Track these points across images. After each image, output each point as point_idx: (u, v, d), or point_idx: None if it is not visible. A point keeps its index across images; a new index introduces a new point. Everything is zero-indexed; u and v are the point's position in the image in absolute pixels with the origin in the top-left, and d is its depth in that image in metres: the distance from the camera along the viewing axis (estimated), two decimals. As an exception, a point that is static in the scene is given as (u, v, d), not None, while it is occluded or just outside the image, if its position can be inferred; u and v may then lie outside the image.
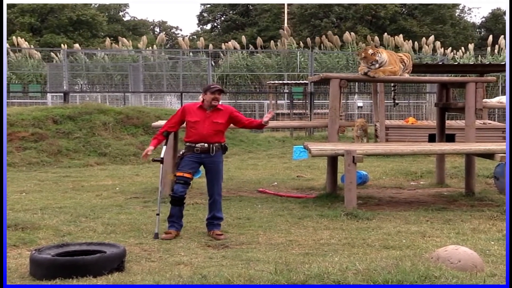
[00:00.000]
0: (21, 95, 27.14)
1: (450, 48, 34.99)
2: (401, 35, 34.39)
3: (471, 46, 33.93)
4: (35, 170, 13.07)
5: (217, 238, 6.93)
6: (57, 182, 11.48)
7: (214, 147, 7.06)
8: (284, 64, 32.05)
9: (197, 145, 7.03)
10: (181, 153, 7.18)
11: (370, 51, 9.69)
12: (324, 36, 33.62)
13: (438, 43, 33.79)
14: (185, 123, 7.25)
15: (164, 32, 55.81)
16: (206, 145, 7.02)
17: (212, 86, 7.12)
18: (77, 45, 35.27)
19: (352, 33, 35.00)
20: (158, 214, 7.17)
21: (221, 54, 32.89)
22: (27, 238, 6.72)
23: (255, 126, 7.58)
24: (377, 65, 9.62)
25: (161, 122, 10.90)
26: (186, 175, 7.03)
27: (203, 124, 7.03)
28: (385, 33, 35.18)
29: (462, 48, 34.46)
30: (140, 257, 6.08)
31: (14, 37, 35.55)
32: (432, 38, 34.27)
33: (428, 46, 33.40)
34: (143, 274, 5.45)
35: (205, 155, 7.06)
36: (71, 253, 5.70)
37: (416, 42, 34.09)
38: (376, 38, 33.45)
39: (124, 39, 34.94)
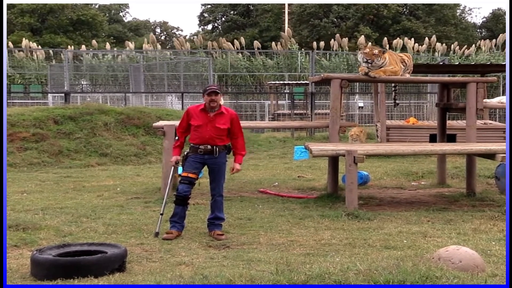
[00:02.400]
0: (22, 95, 27.15)
1: (466, 46, 34.82)
2: (412, 39, 34.31)
3: (487, 42, 33.73)
4: (36, 170, 13.07)
5: (218, 238, 6.93)
6: (58, 182, 11.48)
7: (217, 149, 7.07)
8: (285, 65, 32.05)
9: (200, 146, 7.05)
10: (185, 153, 7.19)
11: (376, 51, 9.65)
12: (332, 40, 33.59)
13: (454, 44, 33.70)
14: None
15: (164, 32, 55.83)
16: (209, 146, 7.05)
17: (207, 88, 7.08)
18: (83, 47, 35.28)
19: (364, 36, 35.01)
20: (161, 214, 7.19)
21: (214, 54, 32.86)
22: (28, 238, 6.72)
23: (234, 150, 7.31)
24: (369, 64, 9.63)
25: (162, 123, 10.90)
26: (191, 175, 7.06)
27: (206, 128, 7.03)
28: (396, 39, 34.97)
29: (479, 43, 34.29)
30: (141, 258, 6.09)
31: (23, 39, 35.54)
32: (433, 39, 34.24)
33: (442, 47, 33.34)
34: (144, 274, 5.45)
35: (208, 156, 7.08)
36: (72, 253, 5.70)
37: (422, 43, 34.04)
38: (385, 39, 33.41)
39: (130, 44, 34.91)
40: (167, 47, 42.60)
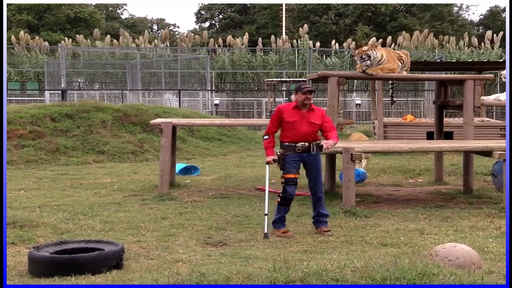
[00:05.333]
0: (18, 93, 27.09)
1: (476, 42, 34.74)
2: (436, 37, 34.31)
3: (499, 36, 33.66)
4: (33, 168, 13.05)
5: (326, 234, 6.96)
6: (55, 180, 11.47)
7: (314, 146, 7.11)
8: (289, 62, 31.99)
9: (298, 144, 7.07)
10: (278, 153, 7.11)
11: (365, 48, 9.72)
12: (334, 41, 33.66)
13: (474, 40, 33.71)
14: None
15: (168, 28, 55.71)
16: (306, 144, 7.08)
17: (303, 87, 7.17)
18: (79, 37, 35.22)
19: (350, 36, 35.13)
20: (266, 214, 7.05)
21: (219, 51, 32.81)
22: (25, 236, 6.72)
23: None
24: (368, 62, 9.59)
25: (159, 120, 10.88)
26: (296, 176, 7.09)
27: (301, 123, 7.09)
28: (393, 36, 34.99)
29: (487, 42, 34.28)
30: (138, 255, 6.09)
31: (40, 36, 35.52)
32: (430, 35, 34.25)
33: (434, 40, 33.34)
34: (142, 271, 5.45)
35: (306, 154, 7.10)
36: (70, 251, 5.70)
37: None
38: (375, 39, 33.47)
39: (126, 33, 34.85)
40: (164, 44, 42.45)
